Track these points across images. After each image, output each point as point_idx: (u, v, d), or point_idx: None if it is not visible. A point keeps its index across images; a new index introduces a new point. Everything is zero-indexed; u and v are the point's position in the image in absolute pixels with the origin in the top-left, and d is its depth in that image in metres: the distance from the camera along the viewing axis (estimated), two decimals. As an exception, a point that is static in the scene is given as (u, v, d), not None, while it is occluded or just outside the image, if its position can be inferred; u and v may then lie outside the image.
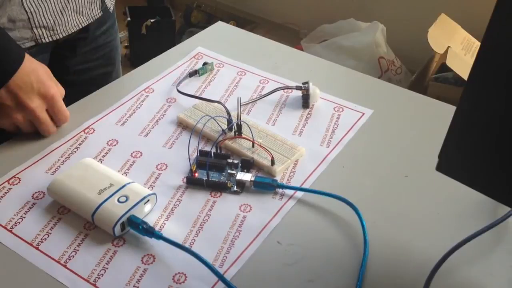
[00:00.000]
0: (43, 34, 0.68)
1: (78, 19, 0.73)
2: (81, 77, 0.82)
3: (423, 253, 0.51)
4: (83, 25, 0.75)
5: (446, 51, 1.50)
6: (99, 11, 0.77)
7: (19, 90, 0.58)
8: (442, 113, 0.69)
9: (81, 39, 0.78)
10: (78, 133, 0.64)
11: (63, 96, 0.64)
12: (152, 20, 2.06)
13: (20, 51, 0.60)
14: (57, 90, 0.62)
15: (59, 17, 0.69)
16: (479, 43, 1.58)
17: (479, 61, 0.37)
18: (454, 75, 1.50)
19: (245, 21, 2.30)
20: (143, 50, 2.05)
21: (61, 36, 0.71)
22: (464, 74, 1.43)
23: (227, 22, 0.92)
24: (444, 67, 1.53)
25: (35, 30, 0.67)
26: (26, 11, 0.65)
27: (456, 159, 0.42)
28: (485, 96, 0.38)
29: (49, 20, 0.68)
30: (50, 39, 0.70)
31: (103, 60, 0.84)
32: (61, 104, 0.63)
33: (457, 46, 1.55)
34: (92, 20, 0.76)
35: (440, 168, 0.42)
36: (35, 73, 0.60)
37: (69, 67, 0.80)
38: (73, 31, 0.73)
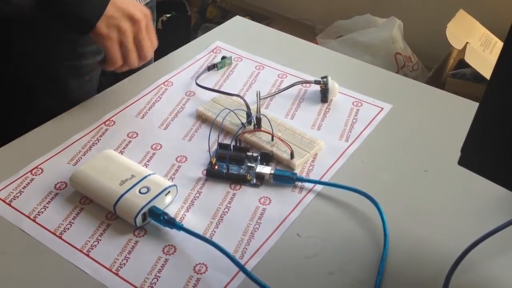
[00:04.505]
0: None
1: None
2: None
3: (443, 247, 0.51)
4: None
5: (464, 47, 1.48)
6: None
7: (125, 5, 0.64)
8: (462, 108, 0.69)
9: None
10: (99, 125, 0.65)
11: None
12: (167, 15, 2.07)
13: None
14: None
15: None
16: (498, 39, 1.57)
17: (504, 56, 0.37)
18: (472, 71, 1.48)
19: (260, 16, 2.30)
20: (159, 45, 2.06)
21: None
22: (483, 70, 1.41)
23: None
24: (461, 64, 1.51)
25: None
26: None
27: (479, 153, 0.41)
28: (509, 90, 0.37)
29: None
30: None
31: None
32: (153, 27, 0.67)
33: (476, 42, 1.54)
34: None
35: (462, 162, 0.42)
36: None
37: None
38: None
